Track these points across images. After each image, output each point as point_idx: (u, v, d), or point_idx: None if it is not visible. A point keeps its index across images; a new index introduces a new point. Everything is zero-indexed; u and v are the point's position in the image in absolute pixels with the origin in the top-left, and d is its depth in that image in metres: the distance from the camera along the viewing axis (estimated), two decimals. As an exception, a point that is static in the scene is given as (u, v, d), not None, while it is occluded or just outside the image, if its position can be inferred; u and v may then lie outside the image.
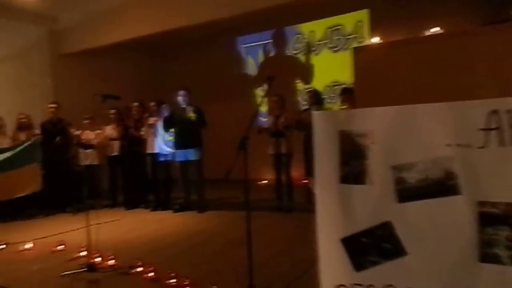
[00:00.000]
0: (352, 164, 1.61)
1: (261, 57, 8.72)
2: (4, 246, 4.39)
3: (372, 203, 1.60)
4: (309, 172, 4.92)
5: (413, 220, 1.59)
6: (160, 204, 6.10)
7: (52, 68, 7.78)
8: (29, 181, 5.64)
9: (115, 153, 6.39)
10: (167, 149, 5.91)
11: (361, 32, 7.57)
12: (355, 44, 7.59)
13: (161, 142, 5.92)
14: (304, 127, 5.22)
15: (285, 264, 3.40)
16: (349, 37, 7.70)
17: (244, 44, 8.93)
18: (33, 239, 4.47)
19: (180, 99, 5.74)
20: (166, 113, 5.84)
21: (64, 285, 3.13)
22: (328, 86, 7.88)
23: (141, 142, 6.08)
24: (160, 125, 5.90)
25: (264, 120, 8.43)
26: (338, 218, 1.64)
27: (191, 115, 5.54)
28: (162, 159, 5.95)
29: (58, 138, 6.11)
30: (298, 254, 3.66)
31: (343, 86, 7.62)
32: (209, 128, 5.84)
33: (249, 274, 2.68)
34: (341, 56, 7.75)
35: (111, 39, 6.95)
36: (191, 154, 5.70)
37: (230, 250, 3.89)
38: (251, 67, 8.88)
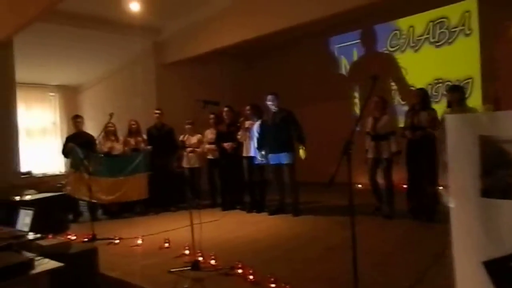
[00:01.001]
0: (498, 175, 1.37)
1: (355, 56, 8.42)
2: (118, 241, 4.80)
3: (525, 222, 1.34)
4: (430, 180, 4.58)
5: None
6: (255, 206, 6.19)
7: (155, 77, 8.37)
8: (139, 188, 6.20)
9: (213, 156, 6.65)
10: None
11: (468, 23, 6.88)
12: (462, 37, 6.94)
13: (256, 147, 5.99)
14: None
15: (390, 274, 3.18)
16: (454, 29, 7.04)
17: (337, 44, 8.70)
18: (141, 235, 4.80)
19: (269, 104, 5.79)
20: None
21: (172, 282, 3.29)
22: (430, 84, 7.30)
23: (237, 146, 6.23)
24: (255, 129, 6.00)
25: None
26: (479, 237, 1.41)
27: (302, 154, 5.57)
28: (257, 162, 6.03)
29: (175, 165, 6.65)
30: (402, 263, 3.42)
31: (447, 83, 7.08)
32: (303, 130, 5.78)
33: (354, 283, 2.53)
34: (445, 51, 7.16)
35: (209, 46, 7.24)
36: (284, 158, 5.68)
37: (330, 256, 3.77)
38: (345, 68, 8.61)
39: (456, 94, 4.53)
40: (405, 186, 5.86)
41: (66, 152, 6.36)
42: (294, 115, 5.74)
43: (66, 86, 10.30)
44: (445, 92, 6.95)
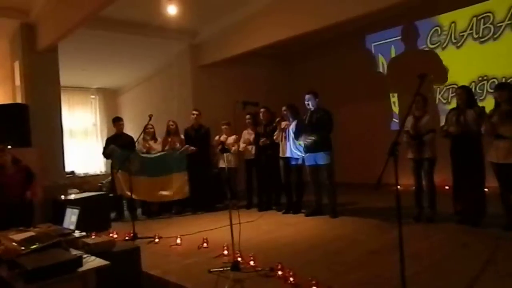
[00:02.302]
0: None
1: (393, 54, 8.19)
2: (157, 240, 4.88)
3: None
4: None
5: None
6: (292, 207, 6.14)
7: (192, 79, 8.46)
8: (178, 187, 6.30)
9: (251, 157, 6.66)
10: (298, 153, 5.91)
11: (515, 17, 6.54)
12: (508, 32, 6.60)
13: (293, 146, 5.95)
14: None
15: (439, 281, 3.05)
16: (500, 24, 6.70)
17: (374, 42, 8.50)
18: (180, 235, 4.85)
19: (306, 103, 5.73)
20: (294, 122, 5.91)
21: (212, 281, 3.30)
22: (474, 82, 7.00)
23: (274, 146, 6.20)
24: (291, 129, 5.95)
25: (397, 121, 7.97)
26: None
27: (311, 138, 5.53)
28: (293, 163, 5.99)
29: (191, 149, 6.64)
30: (451, 271, 3.27)
31: (492, 80, 6.76)
32: (340, 130, 5.68)
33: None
34: (490, 47, 6.83)
35: (245, 47, 7.22)
36: (321, 158, 5.60)
37: (373, 260, 3.67)
38: (383, 66, 8.40)
39: (505, 92, 4.30)
40: (447, 187, 5.65)
41: (107, 153, 6.56)
42: (330, 116, 5.64)
43: (106, 89, 10.64)
44: (490, 90, 6.69)
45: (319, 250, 4.10)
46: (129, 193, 5.85)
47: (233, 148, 6.71)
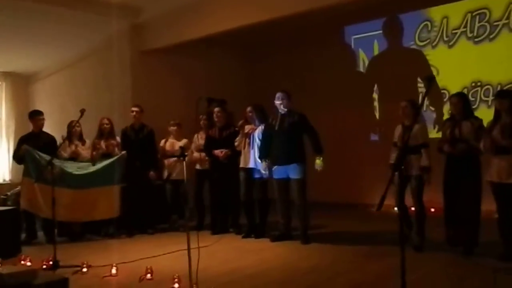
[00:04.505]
0: None
1: (376, 50, 8.50)
2: (86, 269, 4.67)
3: None
4: None
5: None
6: (254, 230, 6.13)
7: (132, 67, 8.33)
8: (108, 204, 6.15)
9: (205, 167, 6.58)
10: (264, 165, 5.93)
11: (514, 16, 7.03)
12: (505, 33, 7.07)
13: (257, 156, 5.95)
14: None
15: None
16: (497, 23, 7.16)
17: (354, 35, 8.78)
18: (115, 263, 4.67)
19: (277, 103, 5.77)
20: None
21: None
22: (466, 88, 7.40)
23: (234, 154, 6.18)
24: (257, 135, 5.98)
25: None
26: None
27: (319, 164, 5.62)
28: (257, 175, 5.99)
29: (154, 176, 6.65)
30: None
31: (486, 87, 7.19)
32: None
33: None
34: (485, 48, 7.29)
35: (201, 32, 7.22)
36: (292, 171, 5.66)
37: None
38: (363, 63, 8.69)
39: (506, 101, 4.55)
40: (432, 209, 5.89)
41: (19, 156, 6.28)
42: (307, 119, 5.75)
43: (17, 73, 10.19)
44: (484, 98, 7.11)
45: (293, 284, 4.11)
46: (48, 212, 5.50)
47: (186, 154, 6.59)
